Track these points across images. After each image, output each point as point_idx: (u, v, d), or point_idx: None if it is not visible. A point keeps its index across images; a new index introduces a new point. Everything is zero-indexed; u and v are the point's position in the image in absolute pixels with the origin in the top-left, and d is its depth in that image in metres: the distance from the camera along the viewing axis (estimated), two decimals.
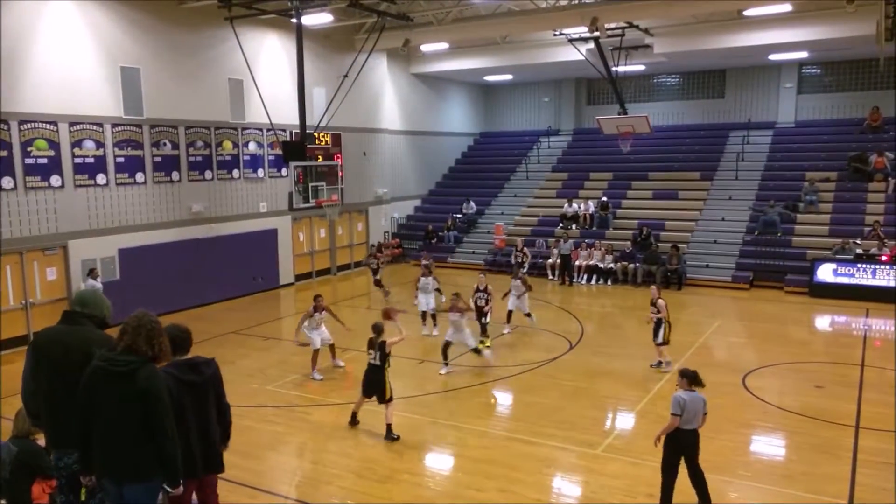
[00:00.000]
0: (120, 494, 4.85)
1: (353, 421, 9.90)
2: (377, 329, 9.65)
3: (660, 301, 12.26)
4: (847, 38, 19.63)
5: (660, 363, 12.43)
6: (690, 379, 6.99)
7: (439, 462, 9.14)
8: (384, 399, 9.51)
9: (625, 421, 10.38)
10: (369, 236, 25.00)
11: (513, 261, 21.14)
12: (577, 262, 21.37)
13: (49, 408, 5.20)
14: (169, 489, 5.00)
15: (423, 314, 15.22)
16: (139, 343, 4.84)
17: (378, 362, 9.47)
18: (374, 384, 9.53)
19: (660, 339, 12.26)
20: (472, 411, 10.78)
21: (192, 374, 5.44)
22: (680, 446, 6.97)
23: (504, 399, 11.58)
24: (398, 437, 9.41)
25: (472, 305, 13.56)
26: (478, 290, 13.86)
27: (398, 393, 11.06)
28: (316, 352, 12.53)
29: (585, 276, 21.26)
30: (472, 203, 26.64)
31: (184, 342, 5.58)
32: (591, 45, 21.39)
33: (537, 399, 11.05)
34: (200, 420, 5.45)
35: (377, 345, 9.50)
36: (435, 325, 15.06)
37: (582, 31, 19.95)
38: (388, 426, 9.47)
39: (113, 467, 4.83)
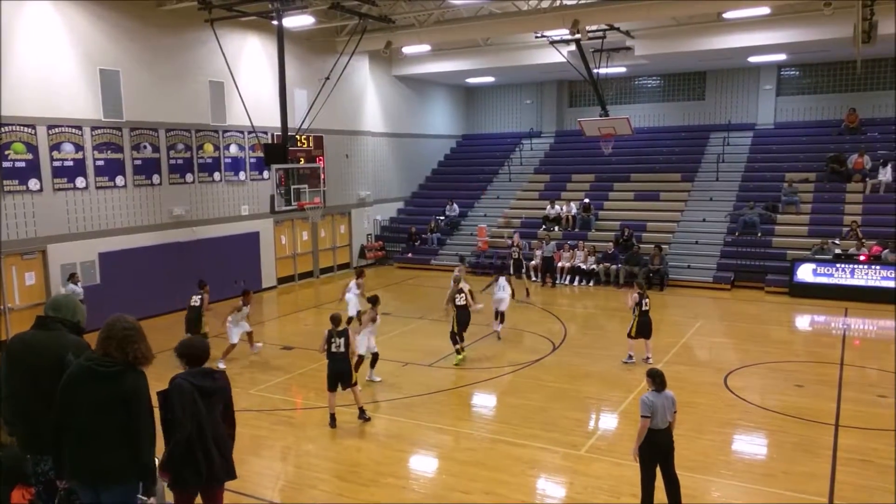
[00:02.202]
0: (96, 499, 4.78)
1: (333, 422, 9.99)
2: (336, 320, 10.05)
3: (645, 299, 12.56)
4: (824, 40, 19.89)
5: (647, 358, 12.64)
6: (654, 379, 7.07)
7: (424, 465, 9.12)
8: (350, 384, 10.00)
9: (608, 421, 10.44)
10: (352, 239, 24.96)
11: (513, 256, 20.21)
12: (559, 264, 21.45)
13: (22, 413, 5.14)
14: (143, 497, 4.90)
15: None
16: (111, 351, 4.78)
17: (343, 349, 9.87)
18: (343, 372, 9.94)
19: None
20: (455, 414, 10.81)
21: (206, 380, 5.56)
22: (654, 446, 7.00)
23: (488, 401, 11.59)
24: (370, 418, 10.09)
25: (453, 308, 13.17)
26: (459, 292, 13.20)
27: (382, 396, 11.10)
28: (233, 345, 13.14)
29: (568, 278, 21.35)
30: (454, 205, 26.65)
31: (199, 358, 5.67)
32: (573, 47, 21.50)
33: (521, 401, 11.06)
34: (213, 426, 5.55)
35: (340, 332, 9.94)
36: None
37: (563, 33, 20.01)
38: (361, 408, 10.14)
39: (87, 471, 4.75)
